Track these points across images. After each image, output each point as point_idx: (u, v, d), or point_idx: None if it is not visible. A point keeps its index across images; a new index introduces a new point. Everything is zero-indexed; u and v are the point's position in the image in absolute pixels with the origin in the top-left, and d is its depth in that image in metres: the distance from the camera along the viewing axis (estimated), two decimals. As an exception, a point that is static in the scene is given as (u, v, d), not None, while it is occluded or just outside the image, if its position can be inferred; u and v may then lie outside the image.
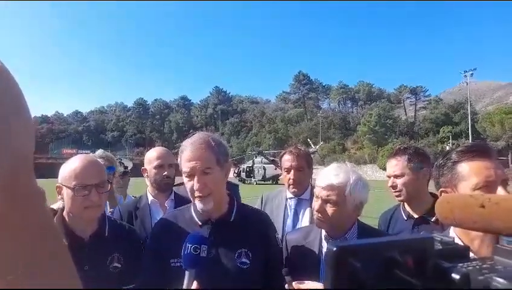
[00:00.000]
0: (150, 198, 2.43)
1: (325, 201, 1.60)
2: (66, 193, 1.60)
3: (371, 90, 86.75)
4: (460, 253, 0.40)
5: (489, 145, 1.19)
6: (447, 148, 49.21)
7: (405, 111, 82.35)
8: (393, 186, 2.17)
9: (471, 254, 0.47)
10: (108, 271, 1.66)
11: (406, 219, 2.17)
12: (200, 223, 1.56)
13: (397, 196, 2.18)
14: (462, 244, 0.60)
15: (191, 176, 1.48)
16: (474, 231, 0.99)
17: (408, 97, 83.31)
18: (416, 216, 2.12)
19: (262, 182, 37.96)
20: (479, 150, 1.24)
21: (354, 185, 1.61)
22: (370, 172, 50.88)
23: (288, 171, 2.43)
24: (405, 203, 2.20)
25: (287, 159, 2.45)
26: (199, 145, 1.48)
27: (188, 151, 1.49)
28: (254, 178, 40.41)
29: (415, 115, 77.88)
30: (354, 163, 55.55)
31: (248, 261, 1.51)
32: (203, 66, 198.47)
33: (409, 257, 0.34)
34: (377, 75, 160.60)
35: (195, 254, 1.31)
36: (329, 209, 1.60)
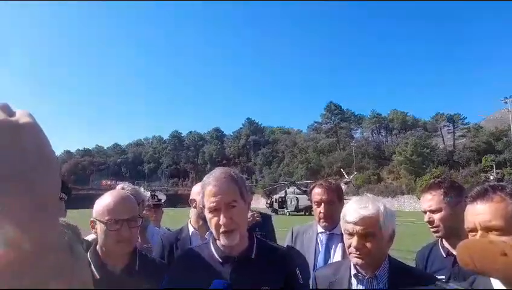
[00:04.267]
0: (191, 229, 2.46)
1: (362, 236, 1.55)
2: (99, 227, 1.65)
3: (405, 119, 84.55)
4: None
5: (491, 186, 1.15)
6: (491, 177, 46.56)
7: (443, 139, 79.19)
8: (430, 222, 2.07)
9: None
10: None
11: (445, 256, 2.06)
12: (220, 261, 1.53)
13: (435, 232, 2.08)
14: None
15: (216, 210, 1.46)
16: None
17: (445, 125, 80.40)
18: (456, 253, 2.01)
19: (295, 213, 37.27)
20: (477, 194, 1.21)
21: (385, 213, 1.57)
22: (408, 203, 48.77)
23: (318, 204, 2.39)
24: (443, 240, 2.09)
25: (317, 193, 2.41)
26: (223, 179, 1.48)
27: (211, 186, 1.48)
28: (287, 209, 39.85)
29: (453, 144, 74.63)
30: (391, 193, 53.63)
31: None
32: (235, 98, 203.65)
33: None
34: (411, 103, 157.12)
35: None
36: (369, 243, 1.55)
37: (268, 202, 43.83)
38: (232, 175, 1.51)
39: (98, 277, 1.64)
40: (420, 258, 2.26)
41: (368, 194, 1.71)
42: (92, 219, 1.70)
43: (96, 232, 1.72)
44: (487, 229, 1.08)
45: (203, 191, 1.52)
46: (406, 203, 49.12)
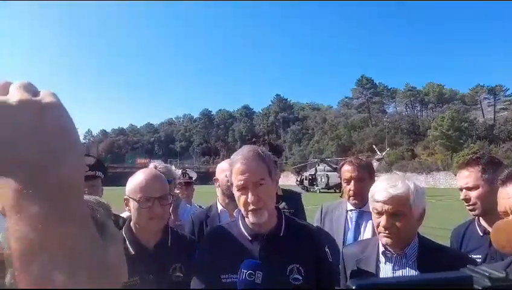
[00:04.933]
0: (220, 207, 2.51)
1: (392, 215, 1.52)
2: (132, 205, 1.71)
3: (442, 92, 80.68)
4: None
5: None
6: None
7: (482, 113, 75.12)
8: (467, 200, 2.00)
9: None
10: (171, 280, 1.73)
11: (481, 234, 1.99)
12: (249, 238, 1.55)
13: (471, 210, 2.01)
14: None
15: (244, 188, 1.47)
16: None
17: (486, 98, 76.12)
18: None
19: (326, 190, 37.15)
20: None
21: (415, 191, 1.53)
22: (443, 180, 47.29)
23: (348, 182, 2.36)
24: (480, 218, 2.02)
25: (347, 170, 2.38)
26: (251, 157, 1.48)
27: (239, 164, 1.48)
28: (317, 186, 39.76)
29: (494, 117, 70.77)
30: (425, 170, 52.09)
31: (300, 277, 1.47)
32: (264, 75, 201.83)
33: None
34: (448, 75, 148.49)
35: (250, 280, 1.32)
36: (398, 222, 1.52)
37: (299, 179, 43.89)
38: (260, 153, 1.50)
39: (133, 252, 1.72)
40: (455, 236, 2.20)
41: (398, 172, 1.66)
42: (125, 196, 1.77)
43: (129, 210, 1.78)
44: None
45: (231, 168, 1.52)
46: (441, 180, 47.63)
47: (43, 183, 0.37)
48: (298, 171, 54.43)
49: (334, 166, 40.26)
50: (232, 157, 1.57)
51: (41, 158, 0.37)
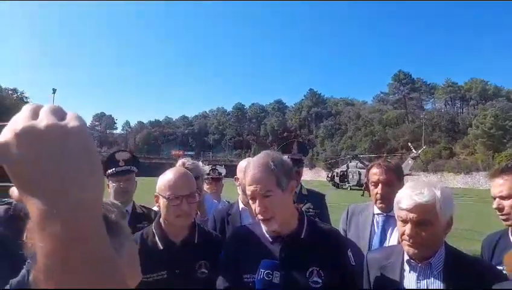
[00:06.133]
0: (241, 205, 2.56)
1: (417, 224, 1.49)
2: (162, 202, 1.79)
3: (486, 88, 76.25)
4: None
5: None
6: None
7: (530, 111, 70.64)
8: (500, 209, 1.92)
9: None
10: (196, 276, 1.80)
11: None
12: (270, 240, 1.59)
13: (504, 220, 1.93)
14: None
15: (253, 198, 1.52)
16: None
17: (534, 95, 71.40)
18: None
19: (357, 188, 36.45)
20: None
21: (442, 198, 1.48)
22: (483, 180, 44.96)
23: (375, 185, 2.33)
24: (514, 228, 1.93)
25: (375, 173, 2.34)
26: (258, 168, 1.51)
27: (248, 175, 1.53)
28: (348, 183, 39.07)
29: (542, 116, 66.34)
30: (464, 170, 49.82)
31: (320, 281, 1.49)
32: (297, 69, 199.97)
33: None
34: (493, 71, 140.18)
35: (268, 280, 1.36)
36: (423, 231, 1.49)
37: (330, 175, 43.31)
38: (269, 164, 1.51)
39: (161, 247, 1.80)
40: (487, 246, 2.12)
41: (424, 178, 1.62)
42: (155, 193, 1.85)
43: (159, 206, 1.87)
44: None
45: (245, 176, 1.57)
46: (481, 181, 45.33)
47: (65, 204, 0.40)
48: (330, 167, 53.69)
49: (367, 163, 39.38)
50: (247, 162, 1.61)
51: (64, 181, 0.40)
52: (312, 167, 68.03)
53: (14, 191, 0.40)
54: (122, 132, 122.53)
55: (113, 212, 0.89)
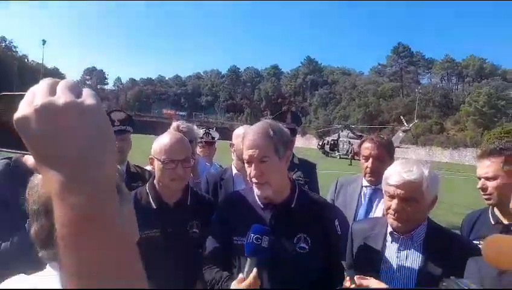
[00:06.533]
0: (234, 171, 2.61)
1: (403, 199, 1.56)
2: (157, 165, 1.82)
3: (483, 66, 75.70)
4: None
5: None
6: None
7: (523, 91, 70.85)
8: (483, 189, 2.00)
9: None
10: (188, 235, 1.87)
11: (493, 223, 2.01)
12: (262, 207, 1.65)
13: (487, 199, 2.01)
14: None
15: (249, 162, 1.57)
16: None
17: (529, 75, 71.23)
18: (506, 222, 1.95)
19: (346, 157, 36.90)
20: None
21: (429, 178, 1.55)
22: (470, 156, 45.88)
23: (366, 159, 2.39)
24: (494, 207, 2.03)
25: (367, 147, 2.40)
26: (257, 134, 1.55)
27: (247, 140, 1.57)
28: (338, 152, 39.48)
29: (535, 96, 66.65)
30: (452, 145, 50.61)
31: (306, 247, 1.56)
32: (295, 35, 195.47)
33: None
34: (491, 49, 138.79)
35: (257, 244, 1.42)
36: (408, 207, 1.57)
37: (320, 143, 43.62)
38: (268, 131, 1.56)
39: (155, 207, 1.86)
40: (467, 222, 2.23)
41: (413, 157, 1.68)
42: (150, 156, 1.88)
43: (153, 168, 1.90)
44: None
45: (244, 141, 1.61)
46: (467, 157, 46.25)
47: (83, 179, 0.42)
48: (321, 136, 53.97)
49: (358, 134, 39.66)
50: (246, 129, 1.64)
51: (81, 157, 0.43)
52: (304, 134, 68.35)
53: (28, 158, 0.46)
54: (114, 88, 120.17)
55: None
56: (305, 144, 61.47)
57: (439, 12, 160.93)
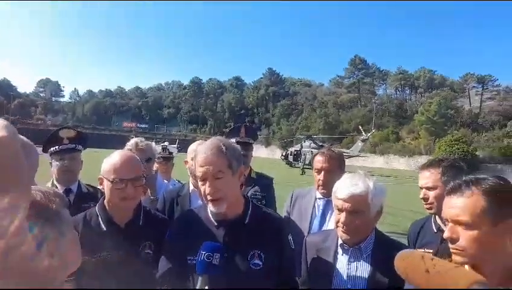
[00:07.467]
0: (191, 187, 2.58)
1: (351, 212, 1.63)
2: (106, 184, 1.77)
3: (433, 78, 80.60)
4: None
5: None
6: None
7: (469, 101, 75.56)
8: (425, 198, 2.13)
9: None
10: (140, 256, 1.81)
11: (435, 231, 2.13)
12: (215, 224, 1.64)
13: (428, 209, 2.14)
14: None
15: (203, 180, 1.56)
16: None
17: (474, 86, 76.38)
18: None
19: (308, 167, 37.56)
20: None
21: (374, 191, 1.63)
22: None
23: (318, 172, 2.46)
24: (436, 216, 2.15)
25: (319, 160, 2.47)
26: (210, 150, 1.55)
27: (200, 157, 1.56)
28: (301, 162, 40.16)
29: (480, 106, 71.65)
30: (408, 153, 53.02)
31: (260, 263, 1.57)
32: (257, 48, 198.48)
33: None
34: (441, 61, 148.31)
35: (208, 261, 1.41)
36: (355, 220, 1.63)
37: (284, 154, 44.19)
38: (221, 148, 1.57)
39: (105, 229, 1.80)
40: (413, 229, 2.35)
41: (360, 171, 1.75)
42: (99, 176, 1.82)
43: (103, 188, 1.84)
44: (456, 222, 1.12)
45: (194, 159, 1.61)
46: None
47: None
48: (284, 146, 54.71)
49: (320, 143, 40.58)
50: (196, 148, 1.64)
51: None
52: (268, 144, 68.93)
53: None
54: (70, 101, 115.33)
55: (54, 201, 0.91)
56: (270, 155, 61.97)
57: (392, 24, 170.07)
